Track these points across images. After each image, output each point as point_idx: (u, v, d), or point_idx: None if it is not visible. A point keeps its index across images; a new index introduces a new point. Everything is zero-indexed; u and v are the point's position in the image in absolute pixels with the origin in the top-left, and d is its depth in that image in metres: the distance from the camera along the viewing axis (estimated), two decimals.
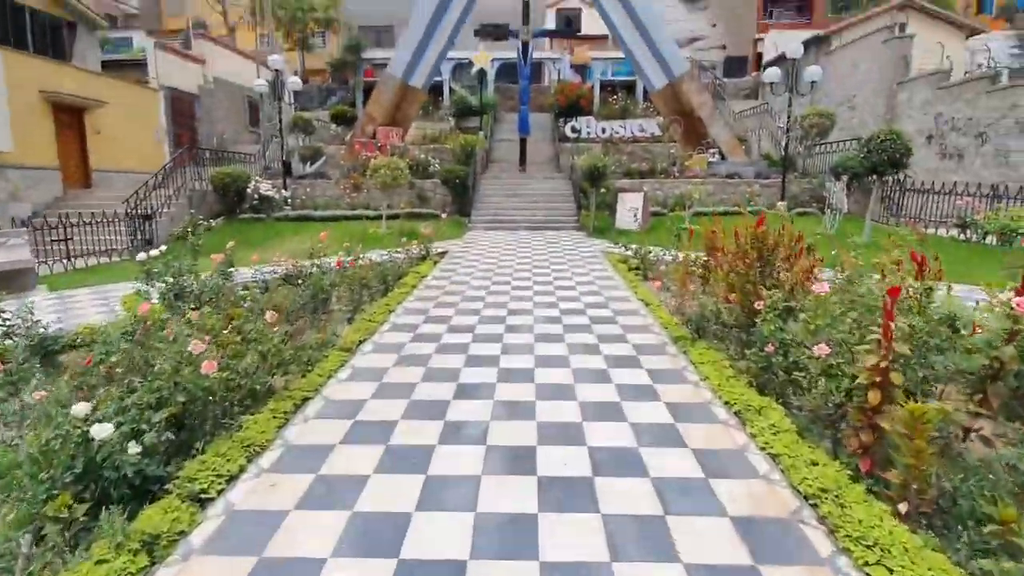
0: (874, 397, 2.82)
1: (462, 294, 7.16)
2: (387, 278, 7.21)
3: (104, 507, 2.46)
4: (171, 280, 6.19)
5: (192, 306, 5.75)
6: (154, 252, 6.40)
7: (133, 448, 2.69)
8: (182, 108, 20.76)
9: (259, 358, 3.91)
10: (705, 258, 7.09)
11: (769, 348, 3.82)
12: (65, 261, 10.16)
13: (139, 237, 11.89)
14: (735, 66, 35.34)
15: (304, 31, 31.31)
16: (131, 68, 19.55)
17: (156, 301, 5.57)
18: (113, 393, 3.22)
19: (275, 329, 4.03)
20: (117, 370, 3.35)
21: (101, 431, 2.61)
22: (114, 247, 11.39)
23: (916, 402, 3.12)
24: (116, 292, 7.63)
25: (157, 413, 3.03)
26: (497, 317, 6.05)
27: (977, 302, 4.10)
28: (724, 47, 40.90)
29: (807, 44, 19.89)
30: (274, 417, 3.53)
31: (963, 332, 3.27)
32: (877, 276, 5.92)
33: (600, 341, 5.18)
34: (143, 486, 2.76)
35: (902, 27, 20.04)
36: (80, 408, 2.79)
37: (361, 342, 5.13)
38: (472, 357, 4.79)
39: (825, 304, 3.47)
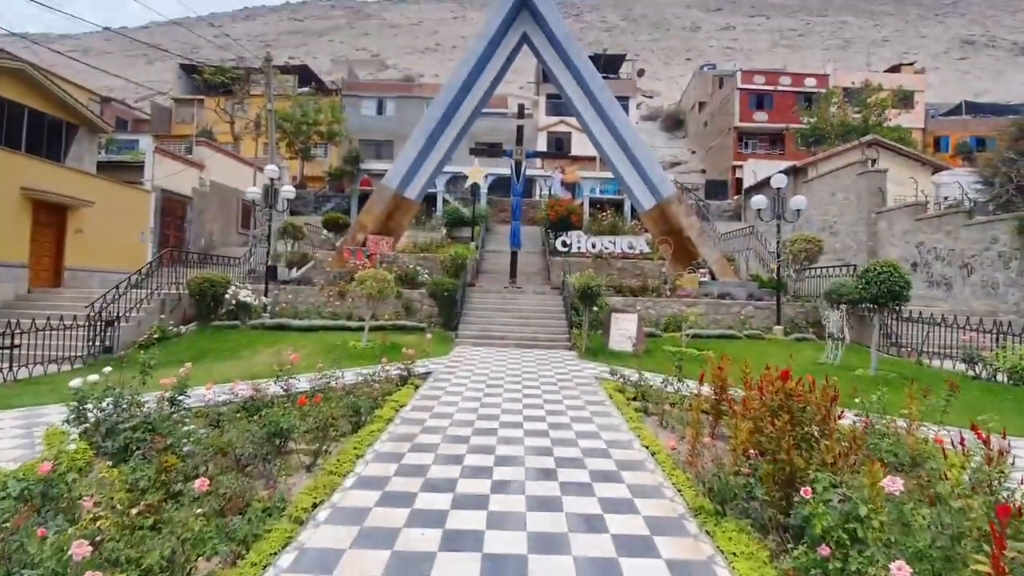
0: None
1: (443, 432, 6.32)
2: (359, 410, 6.39)
3: None
4: (108, 407, 5.36)
5: (118, 447, 4.88)
6: (92, 377, 5.61)
7: None
8: (173, 209, 20.79)
9: (177, 543, 3.04)
10: (715, 397, 6.47)
11: (823, 551, 3.05)
12: (6, 372, 9.17)
13: (97, 344, 11.02)
14: (716, 189, 37.28)
15: (307, 142, 32.74)
16: (130, 169, 19.80)
17: (75, 441, 4.70)
18: None
19: (200, 513, 3.18)
20: None
21: None
22: (69, 354, 10.47)
23: None
24: (48, 417, 6.69)
25: None
26: (483, 468, 5.20)
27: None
28: (704, 171, 43.58)
29: (785, 173, 20.90)
30: None
31: None
32: (903, 423, 5.31)
33: (605, 511, 4.34)
34: None
35: (873, 161, 21.29)
36: None
37: (317, 505, 4.23)
38: (451, 533, 3.90)
39: (902, 510, 2.77)
